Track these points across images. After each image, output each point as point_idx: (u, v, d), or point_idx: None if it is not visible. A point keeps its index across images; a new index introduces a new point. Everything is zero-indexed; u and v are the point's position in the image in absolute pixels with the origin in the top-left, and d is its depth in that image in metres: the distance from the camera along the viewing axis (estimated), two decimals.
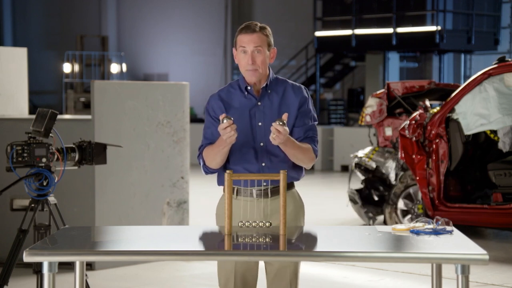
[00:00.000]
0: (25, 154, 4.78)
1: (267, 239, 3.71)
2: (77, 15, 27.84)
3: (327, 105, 22.21)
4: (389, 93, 9.92)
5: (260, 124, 4.04)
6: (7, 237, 6.19)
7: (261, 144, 4.03)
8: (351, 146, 16.15)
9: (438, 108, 8.96)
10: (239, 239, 3.72)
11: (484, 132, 9.02)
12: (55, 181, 4.86)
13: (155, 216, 7.73)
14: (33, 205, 4.88)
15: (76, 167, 5.10)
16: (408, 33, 18.69)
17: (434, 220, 3.89)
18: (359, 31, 19.39)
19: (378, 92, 10.18)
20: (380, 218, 9.69)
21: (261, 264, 4.15)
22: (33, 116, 4.87)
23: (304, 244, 3.83)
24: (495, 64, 8.50)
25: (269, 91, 4.09)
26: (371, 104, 9.95)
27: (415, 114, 8.86)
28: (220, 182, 4.11)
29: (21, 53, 8.37)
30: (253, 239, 3.72)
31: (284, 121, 3.80)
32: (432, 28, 18.31)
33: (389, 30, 18.83)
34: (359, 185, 10.09)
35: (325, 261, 5.65)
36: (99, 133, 7.22)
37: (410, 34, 18.67)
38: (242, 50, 4.03)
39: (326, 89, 23.17)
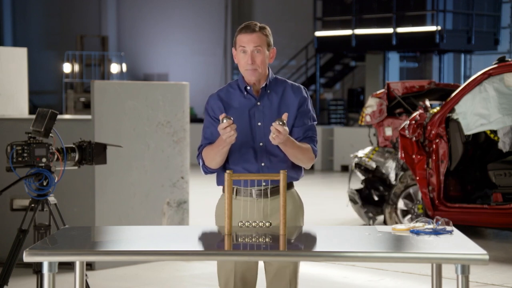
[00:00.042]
0: (25, 154, 4.78)
1: (267, 239, 3.71)
2: (77, 15, 27.84)
3: (327, 105, 22.21)
4: (389, 93, 9.92)
5: (259, 124, 4.04)
6: (7, 237, 6.19)
7: (261, 144, 4.03)
8: (351, 146, 16.15)
9: (438, 108, 8.96)
10: (239, 239, 3.72)
11: (484, 132, 9.02)
12: (55, 181, 4.86)
13: (155, 216, 7.73)
14: (33, 205, 4.88)
15: (76, 167, 5.10)
16: (408, 33, 18.69)
17: (434, 220, 3.89)
18: (359, 31, 19.39)
19: (378, 92, 10.18)
20: (380, 218, 9.69)
21: (261, 264, 4.15)
22: (33, 116, 4.87)
23: (304, 244, 3.83)
24: (495, 64, 8.50)
25: (268, 91, 4.09)
26: (371, 104, 9.95)
27: (415, 114, 8.86)
28: (220, 182, 4.11)
29: (21, 53, 8.37)
30: (253, 239, 3.72)
31: (284, 121, 3.80)
32: (432, 28, 18.31)
33: (389, 30, 18.83)
34: (359, 185, 10.09)
35: (325, 261, 5.65)
36: (99, 133, 7.22)
37: (410, 34, 18.67)
38: (242, 50, 4.03)
39: (326, 89, 23.16)
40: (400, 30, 18.73)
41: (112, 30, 26.96)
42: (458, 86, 9.34)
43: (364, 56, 21.27)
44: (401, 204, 9.14)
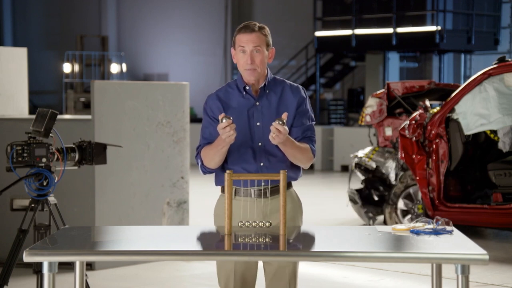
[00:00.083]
0: (25, 154, 4.78)
1: (267, 239, 3.71)
2: (77, 15, 27.84)
3: (327, 105, 22.21)
4: (389, 93, 9.92)
5: (258, 124, 4.04)
6: (7, 237, 6.19)
7: (259, 144, 4.03)
8: (351, 146, 16.15)
9: (438, 108, 8.96)
10: (239, 239, 3.72)
11: (484, 132, 9.02)
12: (55, 181, 4.86)
13: (155, 216, 7.73)
14: (33, 205, 4.88)
15: (76, 167, 5.10)
16: (408, 33, 18.69)
17: (434, 220, 3.89)
18: (359, 31, 19.39)
19: (378, 92, 10.17)
20: (380, 218, 9.69)
21: (260, 264, 4.15)
22: (33, 116, 4.87)
23: (304, 244, 3.83)
24: (495, 64, 8.50)
25: (267, 91, 4.10)
26: (371, 104, 9.95)
27: (415, 114, 8.86)
28: (218, 182, 4.11)
29: (21, 53, 8.37)
30: (253, 239, 3.72)
31: (284, 121, 3.80)
32: (432, 28, 18.32)
33: (389, 30, 18.83)
34: (359, 185, 10.09)
35: (325, 261, 5.65)
36: (99, 133, 7.22)
37: (410, 34, 18.67)
38: (241, 49, 4.03)
39: (326, 89, 23.17)
40: (400, 30, 18.73)
41: (112, 30, 26.96)
42: (458, 86, 9.34)
43: (364, 56, 21.27)
44: (401, 204, 9.14)
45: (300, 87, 4.16)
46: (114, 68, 23.94)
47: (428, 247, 3.57)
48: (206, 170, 4.10)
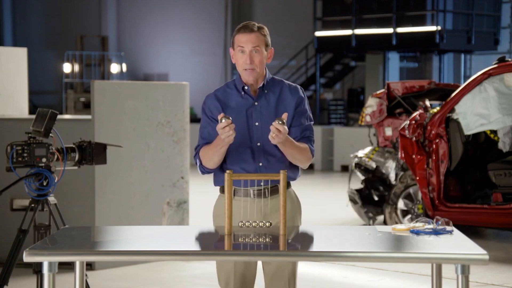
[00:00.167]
0: (25, 154, 4.78)
1: (267, 239, 3.71)
2: (77, 15, 27.85)
3: (327, 105, 22.21)
4: (389, 93, 9.92)
5: (257, 124, 4.05)
6: (7, 237, 6.19)
7: (258, 144, 4.03)
8: (351, 146, 16.15)
9: (438, 108, 8.96)
10: (239, 239, 3.72)
11: (484, 132, 9.02)
12: (55, 181, 4.86)
13: (155, 216, 7.73)
14: (33, 205, 4.88)
15: (76, 167, 5.10)
16: (408, 33, 18.69)
17: (434, 220, 3.89)
18: (359, 31, 19.39)
19: (378, 92, 10.17)
20: (380, 218, 9.69)
21: (259, 264, 4.15)
22: (33, 116, 4.87)
23: (304, 244, 3.83)
24: (495, 64, 8.50)
25: (265, 91, 4.10)
26: (371, 104, 9.95)
27: (415, 114, 8.86)
28: (217, 182, 4.11)
29: (21, 53, 8.37)
30: (253, 239, 3.72)
31: (284, 121, 3.80)
32: (432, 28, 18.32)
33: (389, 30, 18.83)
34: (359, 185, 10.09)
35: (325, 261, 5.65)
36: (99, 133, 7.22)
37: (410, 34, 18.67)
38: (240, 49, 4.04)
39: (326, 89, 23.17)
40: (400, 30, 18.73)
41: (112, 30, 26.97)
42: (458, 86, 9.34)
43: (364, 56, 21.27)
44: (401, 204, 9.14)
45: (299, 87, 4.16)
46: (114, 68, 23.94)
47: (428, 247, 3.57)
48: (204, 170, 4.10)
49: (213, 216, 4.16)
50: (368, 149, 9.88)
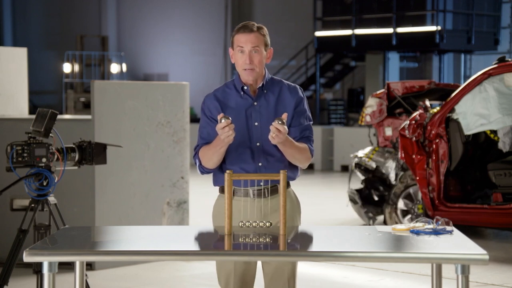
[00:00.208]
0: (25, 154, 4.78)
1: (267, 239, 3.71)
2: (77, 15, 27.85)
3: (327, 105, 22.21)
4: (389, 93, 9.92)
5: (256, 124, 4.05)
6: (7, 237, 6.19)
7: (258, 144, 4.03)
8: (351, 146, 16.15)
9: (438, 108, 8.96)
10: (239, 239, 3.72)
11: (484, 132, 9.02)
12: (55, 181, 4.86)
13: (155, 216, 7.73)
14: (33, 205, 4.88)
15: (76, 167, 5.10)
16: (408, 33, 18.69)
17: (434, 220, 3.89)
18: (359, 31, 19.39)
19: (378, 92, 10.17)
20: (380, 218, 9.69)
21: (258, 264, 4.15)
22: (33, 116, 4.87)
23: (304, 244, 3.83)
24: (495, 64, 8.50)
25: (265, 91, 4.10)
26: (371, 104, 9.95)
27: (415, 114, 8.86)
28: (216, 182, 4.11)
29: (21, 53, 8.37)
30: (253, 239, 3.72)
31: (284, 121, 3.81)
32: (432, 28, 18.32)
33: (389, 30, 18.83)
34: (359, 185, 10.09)
35: (325, 261, 5.66)
36: (99, 133, 7.22)
37: (410, 34, 18.67)
38: (240, 49, 4.04)
39: (326, 89, 23.17)
40: (400, 30, 18.73)
41: (112, 30, 26.97)
42: (458, 86, 9.34)
43: (364, 56, 21.27)
44: (401, 204, 9.14)
45: (298, 87, 4.16)
46: (114, 68, 23.94)
47: (428, 247, 3.57)
48: (204, 170, 4.10)
49: (212, 216, 4.16)
50: (368, 149, 9.88)
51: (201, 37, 25.45)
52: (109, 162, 5.31)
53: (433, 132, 8.63)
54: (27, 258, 3.44)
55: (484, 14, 19.31)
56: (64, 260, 3.54)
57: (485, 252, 3.37)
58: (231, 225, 3.75)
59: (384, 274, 7.27)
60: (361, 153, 9.83)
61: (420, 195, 8.81)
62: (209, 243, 3.89)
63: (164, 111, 7.80)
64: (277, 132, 3.80)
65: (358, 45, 19.51)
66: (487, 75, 8.43)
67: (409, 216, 9.10)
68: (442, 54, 19.88)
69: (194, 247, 3.77)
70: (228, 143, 3.89)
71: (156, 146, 7.74)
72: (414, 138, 8.67)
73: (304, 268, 7.16)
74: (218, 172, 4.07)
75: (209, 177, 4.15)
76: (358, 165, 9.82)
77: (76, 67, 23.43)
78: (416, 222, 3.90)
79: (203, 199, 9.00)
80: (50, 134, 4.82)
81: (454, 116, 8.59)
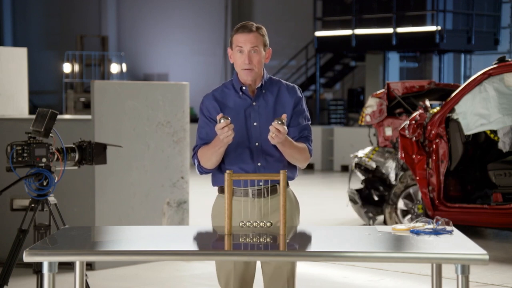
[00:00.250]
0: (25, 154, 4.78)
1: (267, 239, 3.71)
2: (77, 15, 27.85)
3: (327, 105, 22.21)
4: (389, 93, 9.92)
5: (255, 124, 4.05)
6: (7, 237, 6.19)
7: (257, 144, 4.03)
8: (351, 146, 16.15)
9: (438, 108, 8.96)
10: (239, 239, 3.72)
11: (484, 132, 9.02)
12: (55, 181, 4.86)
13: (155, 216, 7.73)
14: (33, 205, 4.88)
15: (76, 167, 5.10)
16: (408, 33, 18.69)
17: (434, 220, 3.89)
18: (359, 31, 19.39)
19: (378, 92, 10.17)
20: (380, 218, 9.69)
21: (258, 263, 4.15)
22: (33, 116, 4.87)
23: (304, 244, 3.83)
24: (495, 64, 8.50)
25: (263, 91, 4.10)
26: (371, 104, 9.95)
27: (415, 114, 8.86)
28: (215, 182, 4.11)
29: (21, 53, 8.37)
30: (253, 239, 3.72)
31: (283, 121, 3.81)
32: (432, 28, 18.32)
33: (389, 30, 18.83)
34: (359, 185, 10.09)
35: (325, 261, 5.66)
36: (99, 133, 7.22)
37: (410, 34, 18.67)
38: (239, 49, 4.03)
39: (326, 89, 23.17)
40: (400, 30, 18.73)
41: (112, 30, 26.97)
42: (458, 86, 9.34)
43: (364, 56, 21.27)
44: (401, 204, 9.14)
45: (296, 87, 4.17)
46: (114, 68, 23.94)
47: (428, 247, 3.57)
48: (203, 171, 4.10)
49: (211, 216, 4.16)
50: (368, 149, 9.88)
51: (201, 37, 25.45)
52: (109, 162, 5.31)
53: (433, 132, 8.63)
54: (27, 258, 3.44)
55: (484, 14, 19.31)
56: (64, 260, 3.54)
57: (485, 252, 3.37)
58: (231, 225, 3.75)
59: (384, 274, 7.27)
60: (361, 153, 9.83)
61: (420, 195, 8.81)
62: (209, 243, 3.89)
63: (164, 111, 7.80)
64: (277, 132, 3.80)
65: (358, 45, 19.51)
66: (487, 75, 8.43)
67: (409, 216, 9.10)
68: (442, 54, 19.88)
69: (194, 247, 3.77)
70: (227, 143, 3.89)
71: (156, 146, 7.74)
72: (414, 138, 8.67)
73: (304, 268, 7.16)
74: (217, 172, 4.07)
75: (209, 177, 4.15)
76: (358, 165, 9.81)
77: (76, 67, 23.44)
78: (416, 222, 3.90)
79: (203, 199, 9.01)
80: (50, 134, 4.82)
81: (454, 116, 8.59)
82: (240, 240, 3.72)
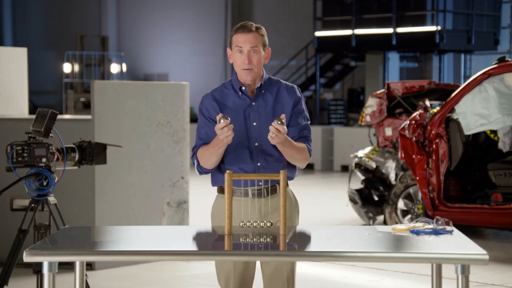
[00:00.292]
0: (25, 154, 4.78)
1: (267, 239, 3.71)
2: (77, 15, 27.85)
3: (327, 105, 22.21)
4: (389, 93, 9.92)
5: (254, 124, 4.05)
6: (7, 237, 6.19)
7: (256, 144, 4.03)
8: (351, 146, 16.15)
9: (438, 108, 8.96)
10: (239, 239, 3.72)
11: (484, 132, 9.02)
12: (55, 181, 4.86)
13: (155, 216, 7.73)
14: (33, 205, 4.88)
15: (76, 167, 5.10)
16: (408, 33, 18.69)
17: (434, 220, 3.89)
18: (359, 31, 19.39)
19: (378, 92, 10.17)
20: (380, 218, 9.69)
21: (257, 263, 4.15)
22: (33, 116, 4.87)
23: (304, 244, 3.83)
24: (495, 64, 8.50)
25: (263, 91, 4.10)
26: (371, 104, 9.95)
27: (415, 114, 8.86)
28: (215, 182, 4.11)
29: (21, 53, 8.37)
30: (253, 239, 3.72)
31: (283, 120, 3.81)
32: (432, 28, 18.32)
33: (389, 30, 18.83)
34: (359, 185, 10.09)
35: (325, 261, 5.65)
36: (99, 133, 7.22)
37: (410, 34, 18.67)
38: (238, 49, 4.03)
39: (326, 89, 23.17)
40: (400, 30, 18.73)
41: (112, 30, 26.96)
42: (458, 86, 9.34)
43: (364, 56, 21.27)
44: (401, 204, 9.14)
45: (295, 86, 4.17)
46: (114, 68, 23.94)
47: (428, 247, 3.57)
48: (202, 171, 4.10)
49: (211, 216, 4.16)
50: (368, 149, 9.88)
51: (201, 37, 25.45)
52: (109, 162, 5.31)
53: (433, 132, 8.63)
54: (27, 258, 3.44)
55: (484, 14, 19.31)
56: (64, 260, 3.54)
57: (485, 252, 3.37)
58: (231, 225, 3.75)
59: (384, 274, 7.27)
60: (361, 153, 9.83)
61: (420, 195, 8.81)
62: (209, 243, 3.89)
63: (164, 111, 7.80)
64: (277, 132, 3.80)
65: (358, 45, 19.52)
66: (487, 75, 8.43)
67: (409, 216, 9.09)
68: (442, 54, 19.88)
69: (194, 247, 3.77)
70: (227, 143, 3.89)
71: (156, 146, 7.74)
72: (414, 138, 8.67)
73: (304, 268, 7.16)
74: (216, 172, 4.08)
75: (209, 177, 4.15)
76: (358, 165, 9.82)
77: (76, 67, 23.44)
78: (416, 222, 3.90)
79: (203, 199, 9.02)
80: (50, 134, 4.82)
81: (454, 116, 8.59)
82: (240, 240, 3.72)
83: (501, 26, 19.72)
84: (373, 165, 9.62)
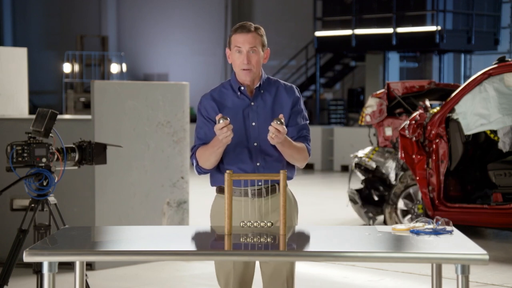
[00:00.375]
0: (25, 154, 4.78)
1: (267, 239, 3.71)
2: (77, 15, 27.85)
3: (327, 105, 22.21)
4: (389, 93, 9.92)
5: (253, 124, 4.05)
6: (7, 237, 6.19)
7: (255, 144, 4.04)
8: (351, 146, 16.15)
9: (438, 108, 8.96)
10: (239, 239, 3.72)
11: (484, 132, 9.02)
12: (55, 181, 4.86)
13: (155, 216, 7.73)
14: (33, 205, 4.88)
15: (76, 167, 5.10)
16: (408, 33, 18.69)
17: (434, 220, 3.89)
18: (359, 31, 19.39)
19: (378, 92, 10.17)
20: (380, 218, 9.69)
21: (257, 263, 4.15)
22: (33, 116, 4.87)
23: (304, 244, 3.83)
24: (495, 64, 8.50)
25: (262, 91, 4.10)
26: (371, 104, 9.95)
27: (415, 114, 8.86)
28: (214, 182, 4.11)
29: (21, 53, 8.37)
30: (253, 239, 3.72)
31: (282, 120, 3.81)
32: (432, 28, 18.32)
33: (389, 30, 18.83)
34: (359, 185, 10.09)
35: (325, 261, 5.66)
36: (99, 133, 7.22)
37: (410, 34, 18.67)
38: (237, 50, 4.04)
39: (326, 89, 23.17)
40: (400, 30, 18.73)
41: (112, 30, 26.97)
42: (458, 86, 9.34)
43: (364, 56, 21.28)
44: (401, 204, 9.14)
45: (294, 86, 4.17)
46: (114, 68, 23.94)
47: (428, 247, 3.57)
48: (201, 171, 4.10)
49: (210, 216, 4.16)
50: (368, 149, 9.88)
51: (201, 37, 25.45)
52: (109, 162, 5.31)
53: (433, 132, 8.63)
54: (27, 258, 3.44)
55: (484, 14, 19.31)
56: (64, 260, 3.54)
57: (485, 252, 3.37)
58: (231, 225, 3.75)
59: (384, 274, 7.27)
60: (361, 153, 9.83)
61: (420, 195, 8.81)
62: (208, 243, 3.89)
63: (164, 111, 7.80)
64: (276, 132, 3.80)
65: (358, 45, 19.52)
66: (487, 75, 8.43)
67: (409, 216, 9.10)
68: (442, 54, 19.88)
69: (194, 247, 3.77)
70: (226, 143, 3.89)
71: (156, 146, 7.74)
72: (414, 138, 8.67)
73: (304, 268, 7.16)
74: (215, 173, 4.08)
75: (209, 177, 4.15)
76: (358, 165, 9.82)
77: (76, 67, 23.44)
78: (416, 222, 3.90)
79: (203, 199, 9.01)
80: (50, 134, 4.82)
81: (454, 116, 8.59)
82: (240, 240, 3.72)
83: (501, 26, 19.73)
84: (373, 165, 9.62)
